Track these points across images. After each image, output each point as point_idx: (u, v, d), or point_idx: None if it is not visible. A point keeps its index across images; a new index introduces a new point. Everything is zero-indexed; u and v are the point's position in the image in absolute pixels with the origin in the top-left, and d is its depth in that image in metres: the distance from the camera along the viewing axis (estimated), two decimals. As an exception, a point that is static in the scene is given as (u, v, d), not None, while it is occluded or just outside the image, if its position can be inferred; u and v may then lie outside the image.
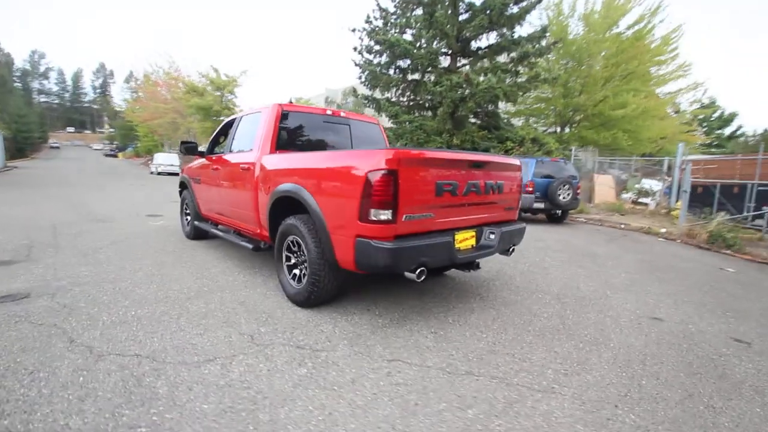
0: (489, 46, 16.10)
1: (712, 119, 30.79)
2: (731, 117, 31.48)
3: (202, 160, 5.18)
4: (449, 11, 15.58)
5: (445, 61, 16.82)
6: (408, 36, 16.69)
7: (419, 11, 17.22)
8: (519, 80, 15.28)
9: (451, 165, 2.78)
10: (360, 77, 16.74)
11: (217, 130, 5.08)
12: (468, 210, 2.97)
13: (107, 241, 5.35)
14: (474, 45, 16.66)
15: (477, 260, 3.35)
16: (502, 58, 16.04)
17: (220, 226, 4.97)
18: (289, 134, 3.88)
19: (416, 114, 17.31)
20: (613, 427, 1.86)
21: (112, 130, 70.53)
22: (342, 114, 4.37)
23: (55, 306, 3.01)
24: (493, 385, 2.16)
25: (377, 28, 17.14)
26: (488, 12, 14.71)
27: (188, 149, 5.01)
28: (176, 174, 27.08)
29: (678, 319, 3.32)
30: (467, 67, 16.64)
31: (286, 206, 3.35)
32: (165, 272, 4.01)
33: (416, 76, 17.32)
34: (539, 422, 1.86)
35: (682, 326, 3.16)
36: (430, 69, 15.56)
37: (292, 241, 3.23)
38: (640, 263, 5.48)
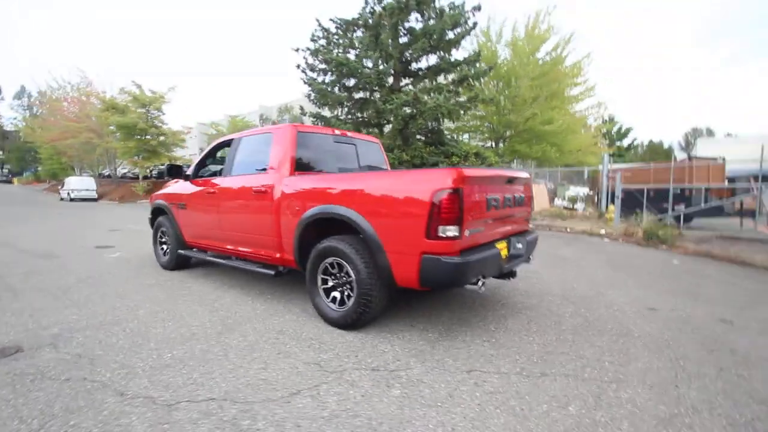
0: (429, 68, 17.08)
1: (612, 133, 35.68)
2: (627, 131, 36.87)
3: (186, 184, 4.82)
4: (391, 34, 16.26)
5: (388, 81, 17.44)
6: (351, 56, 17.09)
7: (360, 32, 17.82)
8: (460, 100, 16.37)
9: (495, 181, 2.99)
10: (309, 95, 16.66)
11: (204, 153, 4.79)
12: (503, 222, 3.20)
13: (71, 278, 4.69)
14: (414, 66, 17.57)
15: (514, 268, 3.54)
16: (442, 79, 17.17)
17: (208, 253, 4.64)
18: (303, 155, 3.82)
19: (364, 131, 17.62)
20: (686, 403, 2.14)
21: (-1, 152, 60.82)
22: (348, 134, 4.41)
23: (67, 357, 2.61)
24: (571, 383, 2.35)
25: (321, 48, 17.33)
26: (430, 36, 15.66)
27: (173, 172, 4.66)
28: (93, 199, 24.25)
29: (668, 307, 3.86)
30: (410, 86, 17.48)
31: (319, 228, 3.30)
32: (169, 308, 3.64)
33: (361, 94, 17.78)
34: (631, 409, 2.08)
35: (675, 313, 3.68)
36: (377, 88, 16.02)
37: (330, 264, 3.17)
38: (606, 262, 6.20)
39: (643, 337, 3.06)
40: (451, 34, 16.07)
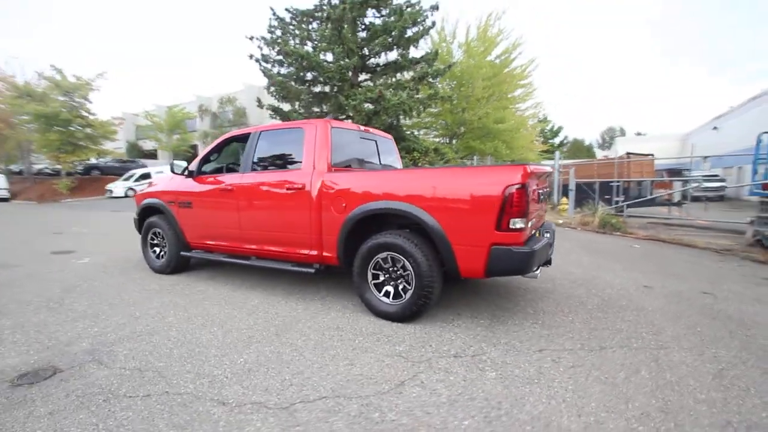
0: (387, 64, 17.26)
1: (546, 131, 38.82)
2: (559, 130, 40.33)
3: (187, 181, 4.50)
4: (351, 29, 16.15)
5: (349, 76, 17.34)
6: (308, 48, 16.70)
7: (315, 24, 17.49)
8: (418, 97, 16.78)
9: (540, 176, 3.24)
10: (269, 88, 15.97)
11: (209, 148, 4.49)
12: (537, 214, 3.47)
13: (55, 288, 4.19)
14: (372, 62, 17.64)
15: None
16: (399, 76, 17.42)
17: (216, 254, 4.39)
18: (336, 151, 3.78)
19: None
20: (723, 360, 2.55)
21: None
22: (370, 130, 4.42)
23: (126, 372, 2.39)
24: (628, 353, 2.66)
25: (279, 39, 16.73)
26: (390, 33, 15.81)
27: (175, 167, 4.34)
28: (4, 199, 21.12)
29: (658, 285, 4.43)
30: (369, 82, 17.56)
31: (367, 225, 3.32)
32: (199, 312, 3.43)
33: (320, 88, 17.49)
34: (687, 368, 2.43)
35: (666, 290, 4.25)
36: (338, 83, 15.84)
37: (383, 259, 3.21)
38: (580, 248, 6.86)
39: (656, 311, 3.51)
40: (410, 32, 16.36)
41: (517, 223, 2.71)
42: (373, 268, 3.28)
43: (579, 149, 60.20)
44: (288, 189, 3.65)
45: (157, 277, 4.70)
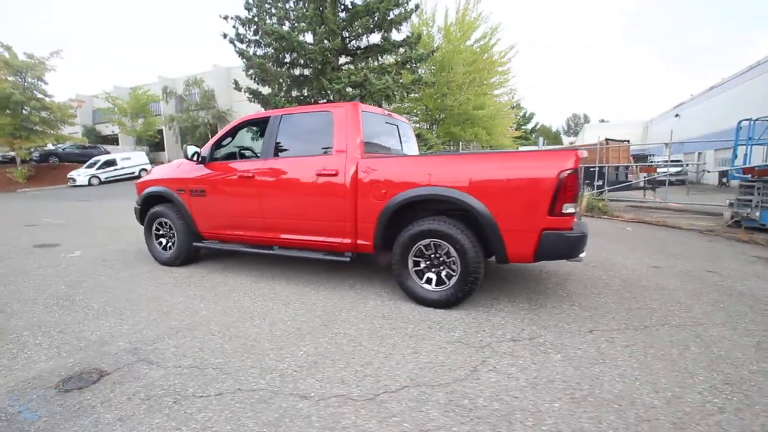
0: (368, 47, 16.90)
1: (519, 118, 39.63)
2: (531, 116, 41.25)
3: (197, 168, 4.25)
4: (332, 10, 15.63)
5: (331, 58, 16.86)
6: (285, 28, 16.05)
7: (292, 3, 16.79)
8: (402, 82, 16.59)
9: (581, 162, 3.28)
10: (248, 71, 15.25)
11: (222, 132, 4.25)
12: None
13: (59, 285, 3.91)
14: (353, 44, 17.21)
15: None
16: (381, 60, 17.13)
17: (231, 243, 4.21)
18: (365, 135, 3.67)
19: (307, 111, 16.89)
20: (755, 332, 2.73)
21: None
22: (393, 115, 4.32)
23: (184, 371, 2.27)
24: (671, 330, 2.79)
25: (255, 17, 15.94)
26: (373, 14, 15.43)
27: (188, 153, 4.08)
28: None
29: (664, 265, 4.67)
30: (350, 65, 17.15)
31: (403, 212, 3.27)
32: (233, 305, 3.29)
33: (298, 71, 16.92)
34: (728, 342, 2.58)
35: (675, 269, 4.48)
36: (320, 65, 15.37)
37: (425, 245, 3.18)
38: (577, 231, 7.11)
39: (677, 290, 3.70)
40: (393, 14, 16.03)
41: (569, 208, 2.75)
42: (414, 255, 3.25)
43: (547, 135, 62.03)
44: (318, 175, 3.52)
45: (166, 269, 4.45)
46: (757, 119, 7.17)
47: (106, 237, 6.61)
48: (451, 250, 3.06)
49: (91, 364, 2.36)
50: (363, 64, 16.84)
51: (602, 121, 59.15)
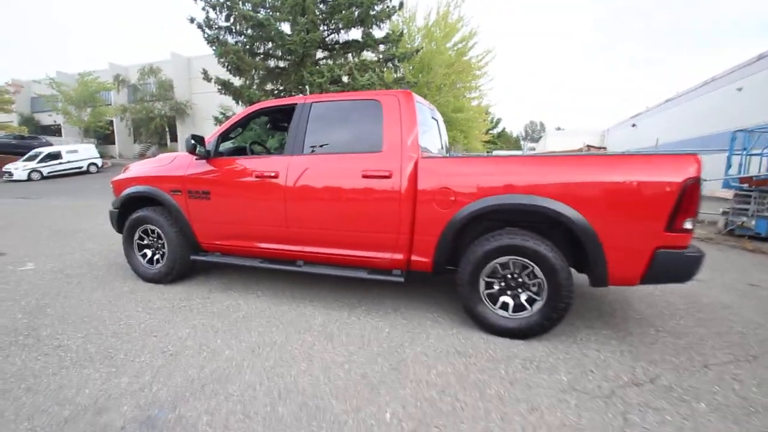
0: (348, 42, 16.23)
1: (484, 122, 40.42)
2: (498, 121, 42.19)
3: (200, 164, 3.47)
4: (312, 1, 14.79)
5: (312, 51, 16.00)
6: (261, 16, 15.00)
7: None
8: (385, 80, 16.06)
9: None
10: (221, 59, 14.01)
11: (231, 122, 3.50)
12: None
13: (13, 311, 2.99)
14: (332, 38, 16.46)
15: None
16: (353, 56, 16.42)
17: (236, 257, 3.46)
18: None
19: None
20: None
21: None
22: (434, 108, 3.77)
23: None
24: None
25: (228, 2, 14.72)
26: (358, 7, 14.76)
27: (194, 146, 3.29)
28: None
29: (705, 278, 4.46)
30: (329, 60, 16.39)
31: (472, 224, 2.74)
32: (260, 341, 2.60)
33: (273, 63, 15.93)
34: None
35: (716, 282, 4.26)
36: (302, 58, 14.49)
37: (503, 264, 2.66)
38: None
39: (742, 307, 3.41)
40: (377, 9, 15.44)
41: (689, 223, 2.34)
42: (488, 276, 2.71)
43: (508, 141, 63.93)
44: (365, 177, 2.89)
45: (154, 288, 3.61)
46: (751, 130, 7.35)
47: (60, 244, 5.51)
48: (537, 269, 2.56)
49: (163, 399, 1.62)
50: (342, 60, 16.13)
51: (558, 129, 61.93)
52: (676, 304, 3.50)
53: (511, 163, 2.72)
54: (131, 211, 3.80)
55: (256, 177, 3.22)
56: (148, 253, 3.80)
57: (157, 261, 3.74)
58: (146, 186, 3.68)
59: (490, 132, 41.42)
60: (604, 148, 14.61)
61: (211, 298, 3.40)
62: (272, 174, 3.15)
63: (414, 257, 2.91)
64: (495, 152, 26.12)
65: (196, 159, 3.47)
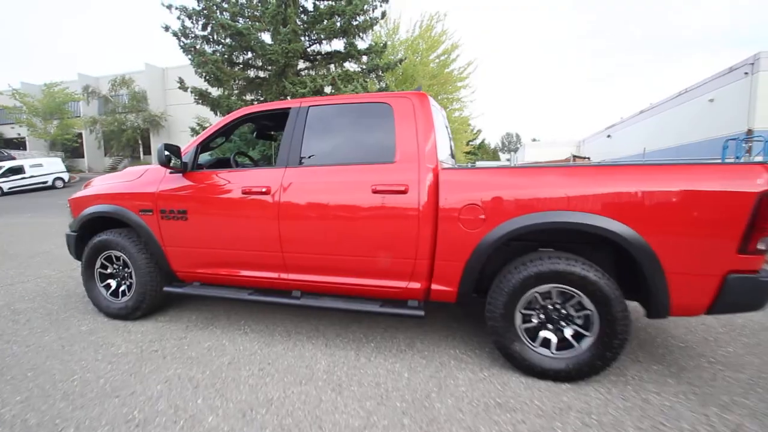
0: (329, 53, 15.95)
1: (467, 133, 40.82)
2: (478, 132, 42.64)
3: (176, 178, 2.95)
4: (294, 10, 14.46)
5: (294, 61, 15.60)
6: (239, 25, 14.54)
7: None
8: (368, 90, 15.78)
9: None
10: (198, 69, 13.40)
11: (212, 130, 3.00)
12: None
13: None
14: (314, 49, 16.15)
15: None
16: (335, 68, 16.14)
17: (217, 288, 2.94)
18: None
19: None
20: None
21: None
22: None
23: None
24: None
25: (205, 9, 14.19)
26: (339, 18, 14.50)
27: (169, 157, 2.77)
28: None
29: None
30: (311, 71, 16.05)
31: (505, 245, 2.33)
32: (253, 399, 2.09)
33: (253, 73, 15.45)
34: None
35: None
36: (284, 68, 14.03)
37: (543, 294, 2.25)
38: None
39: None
40: (358, 20, 15.23)
41: (762, 244, 1.99)
42: (524, 308, 2.30)
43: (485, 152, 64.84)
44: (375, 192, 2.45)
45: (119, 326, 3.03)
46: (744, 138, 7.35)
47: (12, 269, 4.80)
48: (585, 299, 2.17)
49: None
50: (324, 71, 15.80)
51: (534, 140, 63.30)
52: (713, 326, 3.17)
53: (550, 174, 2.32)
54: (92, 234, 3.23)
55: (243, 193, 2.72)
56: (113, 283, 3.22)
57: (123, 293, 3.17)
58: (110, 205, 3.11)
59: (471, 143, 41.91)
60: (587, 158, 14.69)
61: (189, 337, 2.85)
62: (263, 189, 2.67)
63: (435, 286, 2.47)
64: (478, 163, 26.21)
65: (171, 173, 2.96)
